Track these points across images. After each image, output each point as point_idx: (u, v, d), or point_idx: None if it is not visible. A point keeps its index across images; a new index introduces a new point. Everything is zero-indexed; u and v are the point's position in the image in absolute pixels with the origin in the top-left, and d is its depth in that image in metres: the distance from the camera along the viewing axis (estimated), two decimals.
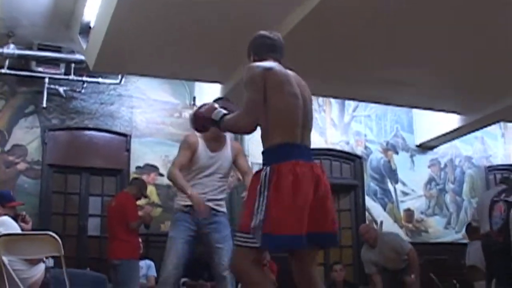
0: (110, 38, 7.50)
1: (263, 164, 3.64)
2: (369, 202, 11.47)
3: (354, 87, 9.54)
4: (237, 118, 3.73)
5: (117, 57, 8.29)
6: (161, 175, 10.12)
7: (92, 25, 8.22)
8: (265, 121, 3.65)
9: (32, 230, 8.89)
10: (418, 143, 12.01)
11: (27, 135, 9.68)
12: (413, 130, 12.08)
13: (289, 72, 3.82)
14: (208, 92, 9.97)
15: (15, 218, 6.12)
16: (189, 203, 5.26)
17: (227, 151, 5.60)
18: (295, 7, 6.96)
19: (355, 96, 10.53)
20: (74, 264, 9.58)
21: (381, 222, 11.35)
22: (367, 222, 11.23)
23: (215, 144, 5.50)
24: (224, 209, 5.54)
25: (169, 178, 5.48)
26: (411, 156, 12.01)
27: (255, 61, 3.89)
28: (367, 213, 11.39)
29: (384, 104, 11.15)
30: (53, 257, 7.04)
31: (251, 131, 3.71)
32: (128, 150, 10.19)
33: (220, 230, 5.43)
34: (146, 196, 8.72)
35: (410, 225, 11.66)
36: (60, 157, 9.89)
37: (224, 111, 3.86)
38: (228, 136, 5.65)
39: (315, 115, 11.14)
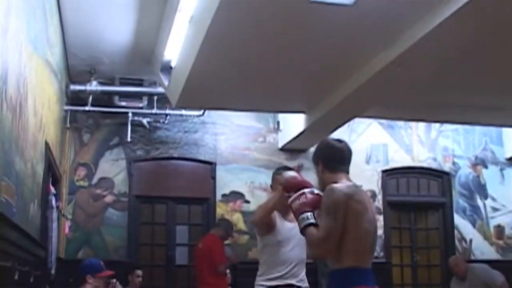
0: (193, 77, 7.42)
1: (333, 285, 3.70)
2: (458, 219, 11.16)
3: (442, 111, 9.38)
4: (314, 241, 3.63)
5: (200, 94, 8.23)
6: (247, 201, 10.10)
7: (173, 64, 8.13)
8: (339, 244, 3.59)
9: (122, 262, 9.09)
10: (508, 156, 11.59)
11: (113, 167, 9.74)
12: (502, 142, 11.66)
13: (361, 191, 3.82)
14: (292, 116, 9.75)
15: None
16: (273, 283, 4.87)
17: None
18: (387, 45, 6.69)
19: (445, 120, 10.27)
20: None
21: (471, 240, 11.11)
22: (455, 240, 11.04)
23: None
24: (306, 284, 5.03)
25: (257, 214, 5.02)
26: (501, 170, 11.61)
27: (323, 171, 3.86)
28: (456, 231, 11.11)
29: (473, 125, 10.86)
30: None
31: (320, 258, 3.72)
32: (214, 178, 10.15)
33: None
34: (232, 237, 8.66)
35: (500, 242, 11.33)
36: (146, 188, 9.93)
37: (313, 221, 3.68)
38: None
39: (402, 132, 10.94)
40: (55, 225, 7.41)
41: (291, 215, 4.64)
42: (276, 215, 4.95)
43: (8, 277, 4.28)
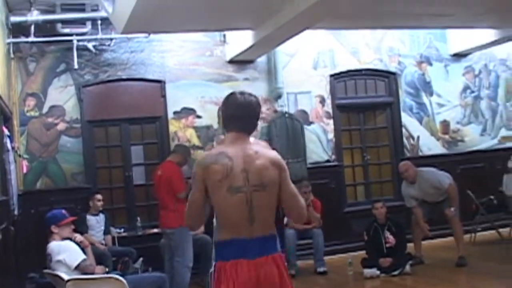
0: (139, 3, 7.22)
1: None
2: (405, 117, 11.46)
3: (388, 18, 9.48)
4: (185, 217, 3.67)
5: (146, 19, 8.04)
6: (199, 117, 10.17)
7: None
8: (215, 217, 3.63)
9: (81, 187, 9.20)
10: (452, 52, 11.80)
11: (62, 94, 9.65)
12: (446, 39, 11.82)
13: (238, 151, 3.56)
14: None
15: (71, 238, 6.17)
16: None
17: None
18: None
19: (391, 26, 10.37)
20: (124, 214, 9.92)
21: (418, 137, 11.46)
22: (404, 138, 11.36)
23: None
24: None
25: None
26: (445, 66, 11.84)
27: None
28: (403, 129, 11.42)
29: (418, 29, 11.01)
30: None
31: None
32: (164, 96, 10.15)
33: None
34: (189, 162, 8.76)
35: (446, 137, 11.71)
36: (98, 112, 9.90)
37: None
38: None
39: (348, 36, 11.01)
40: (12, 167, 7.47)
41: None
42: None
43: None
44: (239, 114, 3.62)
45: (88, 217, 8.90)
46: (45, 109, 9.53)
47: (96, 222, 8.98)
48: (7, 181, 7.15)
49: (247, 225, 3.48)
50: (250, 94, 3.72)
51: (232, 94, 3.72)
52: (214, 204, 3.54)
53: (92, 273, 5.86)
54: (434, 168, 9.16)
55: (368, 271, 8.54)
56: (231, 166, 3.47)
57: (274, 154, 3.64)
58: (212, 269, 3.60)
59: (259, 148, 3.62)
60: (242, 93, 3.71)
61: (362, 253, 8.94)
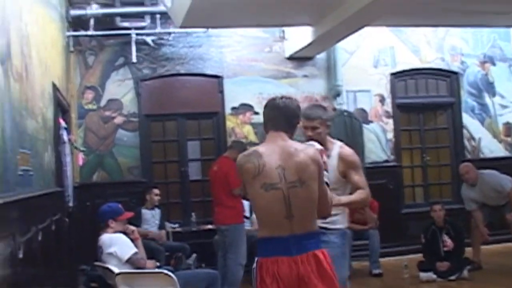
0: None
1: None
2: (466, 118, 11.17)
3: (450, 16, 9.25)
4: None
5: (205, 14, 8.02)
6: (257, 113, 10.05)
7: None
8: None
9: (137, 181, 9.22)
10: None
11: (120, 88, 9.72)
12: (510, 38, 11.47)
13: (275, 149, 3.65)
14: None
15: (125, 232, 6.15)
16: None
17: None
18: None
19: (453, 24, 10.16)
20: (179, 209, 9.91)
21: (479, 139, 11.15)
22: (464, 139, 11.09)
23: None
24: (337, 226, 4.85)
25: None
26: (509, 66, 11.48)
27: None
28: (464, 130, 11.14)
29: (480, 27, 10.76)
30: None
31: None
32: (222, 92, 10.11)
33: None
34: None
35: (509, 139, 11.36)
36: (155, 106, 9.92)
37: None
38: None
39: (409, 34, 10.80)
40: (68, 159, 7.50)
41: None
42: None
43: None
44: (276, 114, 3.77)
45: (143, 211, 8.91)
46: (103, 102, 9.60)
47: (151, 217, 8.99)
48: (62, 172, 7.19)
49: (286, 222, 3.54)
50: (290, 98, 3.86)
51: (272, 98, 3.87)
52: (251, 201, 3.72)
53: (143, 267, 5.83)
54: (496, 171, 8.88)
55: (424, 275, 8.34)
56: (263, 163, 3.58)
57: (313, 151, 3.72)
58: (254, 265, 3.61)
59: (298, 145, 3.72)
60: (281, 97, 3.86)
61: (419, 256, 8.73)
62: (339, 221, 4.87)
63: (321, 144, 4.33)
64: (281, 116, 3.74)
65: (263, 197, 3.55)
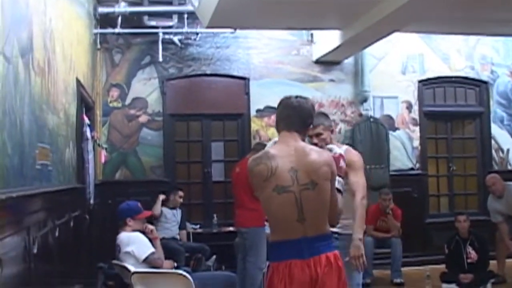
0: None
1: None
2: (495, 129, 11.00)
3: (481, 24, 9.14)
4: None
5: (232, 14, 8.01)
6: None
7: None
8: None
9: (160, 181, 9.19)
10: None
11: (146, 86, 9.71)
12: None
13: (288, 150, 3.57)
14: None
15: (143, 231, 6.11)
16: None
17: None
18: None
19: (483, 32, 10.04)
20: (201, 210, 9.87)
21: (508, 150, 10.98)
22: (492, 150, 10.93)
23: None
24: (349, 231, 4.76)
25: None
26: None
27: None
28: (493, 141, 10.98)
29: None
30: None
31: None
32: (247, 93, 10.07)
33: None
34: None
35: None
36: (180, 106, 9.90)
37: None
38: None
39: (438, 41, 10.66)
40: (91, 156, 7.46)
41: None
42: None
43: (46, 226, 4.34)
44: (289, 113, 3.67)
45: (165, 210, 8.89)
46: (128, 101, 9.59)
47: (172, 216, 8.97)
48: (84, 169, 7.16)
49: (298, 225, 3.47)
50: (305, 98, 3.78)
51: (286, 97, 3.78)
52: (262, 205, 3.60)
53: (160, 267, 5.78)
54: None
55: (447, 286, 8.19)
56: (276, 165, 3.49)
57: (327, 155, 3.65)
58: (265, 269, 3.54)
59: (311, 147, 3.68)
60: (296, 96, 3.77)
61: (442, 267, 8.57)
62: (351, 226, 4.82)
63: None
64: (295, 116, 3.66)
65: (275, 200, 3.48)
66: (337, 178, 3.73)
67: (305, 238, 3.46)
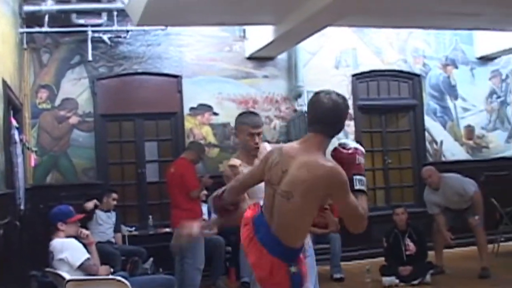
0: None
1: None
2: (428, 121, 11.11)
3: (413, 17, 9.13)
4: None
5: (163, 11, 7.86)
6: (216, 114, 9.91)
7: None
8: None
9: (92, 183, 8.97)
10: (478, 55, 11.41)
11: (76, 87, 9.46)
12: (472, 41, 11.43)
13: (295, 153, 3.39)
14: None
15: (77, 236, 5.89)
16: None
17: None
18: None
19: (416, 25, 10.08)
20: (136, 212, 9.67)
21: (441, 142, 11.11)
22: (426, 142, 11.02)
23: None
24: None
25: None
26: (471, 69, 11.46)
27: None
28: (426, 133, 11.08)
29: (443, 30, 10.70)
30: None
31: None
32: (180, 91, 9.90)
33: None
34: (203, 160, 8.57)
35: (470, 142, 11.33)
36: (112, 106, 9.67)
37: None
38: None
39: (371, 35, 10.70)
40: (20, 159, 7.23)
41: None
42: None
43: None
44: (317, 112, 3.45)
45: (99, 212, 8.64)
46: (57, 102, 9.32)
47: (106, 218, 8.73)
48: (13, 174, 6.91)
49: (269, 217, 3.43)
50: (338, 94, 3.48)
51: (316, 92, 3.53)
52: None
53: (96, 274, 5.58)
54: (459, 175, 8.79)
55: (386, 279, 8.20)
56: (277, 162, 3.42)
57: (325, 169, 3.23)
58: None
59: (313, 158, 3.30)
60: (328, 92, 3.49)
61: (381, 260, 8.60)
62: None
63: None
64: (316, 116, 3.46)
65: (265, 189, 3.51)
66: (357, 177, 3.41)
67: (269, 228, 3.39)
